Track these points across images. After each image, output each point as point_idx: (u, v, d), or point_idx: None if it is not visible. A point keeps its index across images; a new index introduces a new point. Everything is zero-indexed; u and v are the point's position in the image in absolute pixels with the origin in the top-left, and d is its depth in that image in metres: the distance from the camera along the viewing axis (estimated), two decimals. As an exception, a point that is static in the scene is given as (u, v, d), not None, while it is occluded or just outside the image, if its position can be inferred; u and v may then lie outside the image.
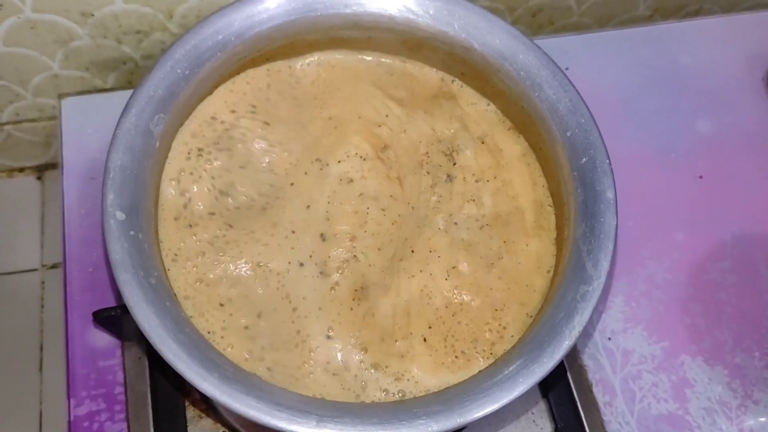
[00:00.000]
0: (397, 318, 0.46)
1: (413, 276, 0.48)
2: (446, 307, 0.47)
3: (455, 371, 0.45)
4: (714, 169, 0.63)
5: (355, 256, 0.47)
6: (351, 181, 0.49)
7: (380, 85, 0.52)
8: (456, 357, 0.46)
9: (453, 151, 0.51)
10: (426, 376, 0.45)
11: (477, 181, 0.50)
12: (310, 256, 0.47)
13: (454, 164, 0.51)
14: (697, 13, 0.76)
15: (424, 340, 0.46)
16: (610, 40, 0.68)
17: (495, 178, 0.51)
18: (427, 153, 0.51)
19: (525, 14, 0.70)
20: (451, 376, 0.45)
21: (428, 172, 0.50)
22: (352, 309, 0.46)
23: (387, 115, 0.51)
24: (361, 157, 0.50)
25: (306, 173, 0.49)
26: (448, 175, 0.50)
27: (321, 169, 0.50)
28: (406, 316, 0.47)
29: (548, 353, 0.41)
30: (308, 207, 0.48)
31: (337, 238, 0.48)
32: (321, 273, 0.47)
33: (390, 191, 0.50)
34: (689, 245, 0.60)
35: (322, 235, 0.48)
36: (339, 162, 0.50)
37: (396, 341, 0.46)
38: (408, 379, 0.45)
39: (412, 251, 0.48)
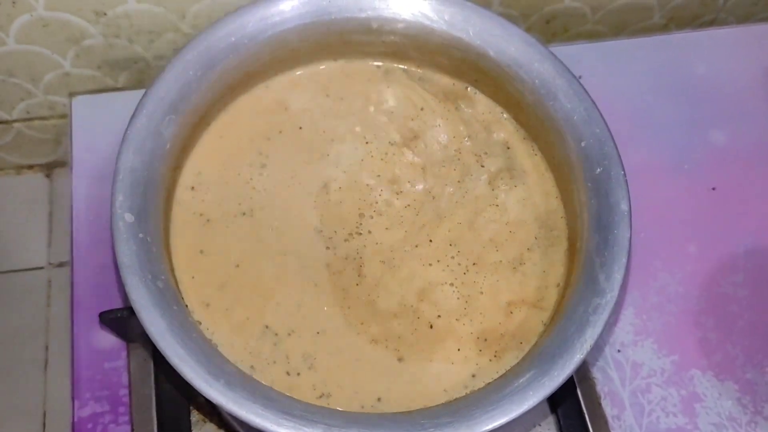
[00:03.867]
0: (406, 299, 0.47)
1: (430, 264, 0.48)
2: (460, 300, 0.47)
3: (453, 363, 0.45)
4: (727, 181, 0.62)
5: (360, 233, 0.48)
6: (371, 155, 0.50)
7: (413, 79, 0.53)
8: (458, 350, 0.46)
9: (482, 153, 0.51)
10: (421, 362, 0.45)
11: (505, 185, 0.51)
12: (319, 224, 0.48)
13: (482, 166, 0.51)
14: (712, 23, 0.76)
15: (431, 327, 0.46)
16: (625, 48, 0.67)
17: (518, 186, 0.51)
18: (459, 150, 0.51)
19: (539, 21, 0.70)
20: (448, 366, 0.45)
21: (456, 169, 0.51)
22: (357, 284, 0.47)
23: (422, 108, 0.52)
24: (389, 142, 0.51)
25: (327, 154, 0.51)
26: (476, 176, 0.51)
27: (343, 145, 0.51)
28: (416, 300, 0.47)
29: (559, 366, 0.40)
30: (323, 183, 0.50)
31: (345, 214, 0.49)
32: (326, 247, 0.48)
33: (409, 177, 0.50)
34: (701, 258, 0.59)
35: (324, 205, 0.49)
36: (367, 143, 0.51)
37: (398, 322, 0.46)
38: (400, 359, 0.45)
39: (431, 240, 0.48)
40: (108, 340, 0.53)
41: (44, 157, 0.78)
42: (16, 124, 0.72)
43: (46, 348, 0.73)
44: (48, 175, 0.79)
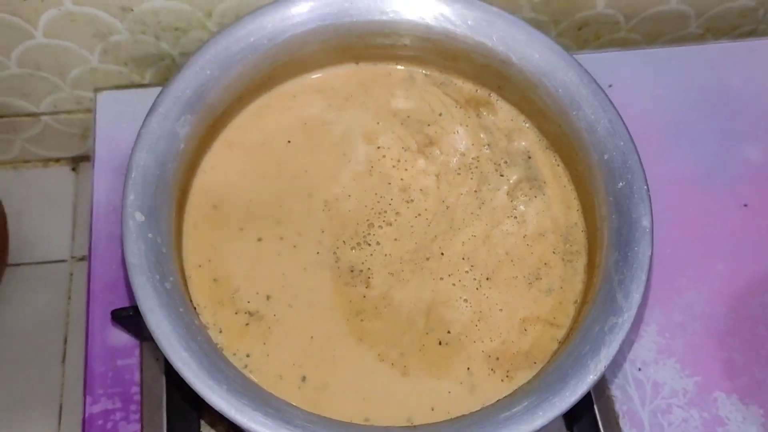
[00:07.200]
0: (414, 314, 0.46)
1: (441, 279, 0.47)
2: (472, 317, 0.46)
3: (462, 383, 0.44)
4: (760, 198, 0.60)
5: (368, 243, 0.47)
6: (382, 161, 0.49)
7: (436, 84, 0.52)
8: (468, 369, 0.45)
9: (502, 162, 0.50)
10: (428, 381, 0.44)
11: (524, 196, 0.49)
12: (322, 232, 0.48)
13: (501, 176, 0.49)
14: (750, 34, 0.74)
15: (440, 343, 0.45)
16: (659, 57, 0.66)
17: (537, 197, 0.49)
18: (477, 158, 0.50)
19: (570, 27, 0.69)
20: (456, 386, 0.44)
21: (472, 177, 0.49)
22: (364, 297, 0.46)
23: (441, 114, 0.51)
24: (402, 147, 0.50)
25: (339, 159, 0.50)
26: (494, 186, 0.49)
27: (354, 151, 0.50)
28: (425, 315, 0.46)
29: (571, 387, 0.39)
30: (325, 190, 0.49)
31: (353, 222, 0.48)
32: (334, 255, 0.47)
33: (421, 185, 0.49)
34: (730, 276, 0.57)
35: (333, 214, 0.48)
36: (378, 148, 0.50)
37: (406, 337, 0.45)
38: (405, 376, 0.44)
39: (442, 253, 0.47)
40: (122, 336, 0.53)
41: (71, 151, 0.78)
42: (43, 117, 0.72)
43: (65, 341, 0.73)
44: (74, 169, 0.79)
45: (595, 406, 0.52)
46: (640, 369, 0.54)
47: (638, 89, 0.64)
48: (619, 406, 0.53)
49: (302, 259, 0.47)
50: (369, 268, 0.47)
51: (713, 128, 0.63)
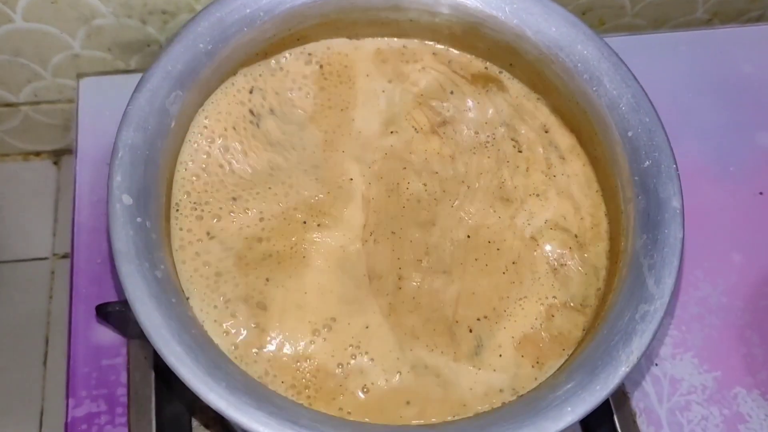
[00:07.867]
0: (443, 302, 0.43)
1: (468, 264, 0.44)
2: (499, 303, 0.43)
3: (495, 370, 0.42)
4: (776, 186, 0.59)
5: (393, 232, 0.44)
6: (394, 149, 0.47)
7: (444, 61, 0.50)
8: (500, 356, 0.42)
9: (517, 142, 0.48)
10: (460, 368, 0.41)
11: (543, 176, 0.47)
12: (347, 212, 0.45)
13: (520, 152, 0.47)
14: (759, 19, 0.73)
15: (470, 331, 0.43)
16: (665, 43, 0.64)
17: (557, 176, 0.47)
18: (492, 135, 0.48)
19: (575, 12, 0.65)
20: (489, 373, 0.41)
21: (489, 156, 0.47)
22: (401, 288, 0.43)
23: (452, 92, 0.48)
24: (414, 128, 0.47)
25: (350, 140, 0.47)
26: (512, 165, 0.47)
27: (366, 137, 0.47)
28: (453, 302, 0.43)
29: (601, 379, 0.36)
30: (344, 177, 0.46)
31: (371, 212, 0.45)
32: (360, 248, 0.44)
33: (436, 168, 0.47)
34: (747, 267, 0.55)
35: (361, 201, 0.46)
36: (391, 132, 0.47)
37: (435, 326, 0.43)
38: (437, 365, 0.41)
39: (468, 236, 0.45)
40: (107, 335, 0.51)
41: (52, 144, 0.76)
42: (23, 108, 0.69)
43: (47, 341, 0.71)
44: (56, 163, 0.77)
45: (611, 404, 0.50)
46: (656, 364, 0.52)
47: (645, 75, 0.60)
48: (636, 404, 0.51)
49: (325, 252, 0.44)
50: (399, 258, 0.44)
51: (723, 115, 0.61)
